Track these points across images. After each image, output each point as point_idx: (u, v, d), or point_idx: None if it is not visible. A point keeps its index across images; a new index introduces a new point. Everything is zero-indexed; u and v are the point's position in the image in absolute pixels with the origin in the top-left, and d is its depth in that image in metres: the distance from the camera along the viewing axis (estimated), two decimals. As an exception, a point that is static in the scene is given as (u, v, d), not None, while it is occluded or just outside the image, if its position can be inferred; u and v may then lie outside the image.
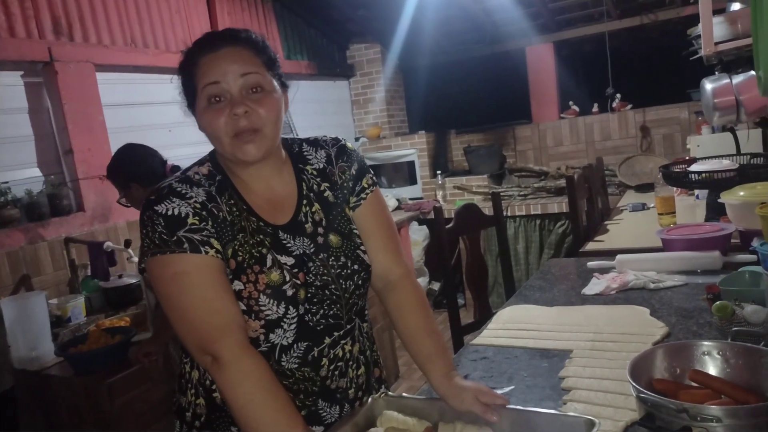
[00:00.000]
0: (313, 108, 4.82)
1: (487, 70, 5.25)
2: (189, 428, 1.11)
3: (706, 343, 1.03)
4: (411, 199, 5.01)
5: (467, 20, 4.90)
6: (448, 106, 5.49)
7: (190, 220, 0.99)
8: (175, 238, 0.97)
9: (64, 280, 2.70)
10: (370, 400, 1.11)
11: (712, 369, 1.01)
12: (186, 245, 0.97)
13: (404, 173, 5.14)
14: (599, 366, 1.30)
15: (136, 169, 2.07)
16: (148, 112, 3.28)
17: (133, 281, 2.64)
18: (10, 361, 1.96)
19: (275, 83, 1.06)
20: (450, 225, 2.42)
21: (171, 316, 1.00)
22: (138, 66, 3.23)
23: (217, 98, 1.01)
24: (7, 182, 2.58)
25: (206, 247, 0.98)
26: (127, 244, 2.75)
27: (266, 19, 4.38)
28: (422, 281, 4.82)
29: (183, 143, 3.12)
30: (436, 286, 4.91)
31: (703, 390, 0.95)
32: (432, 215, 4.00)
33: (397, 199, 4.88)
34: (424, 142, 5.05)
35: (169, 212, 0.98)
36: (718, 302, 1.41)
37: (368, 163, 5.41)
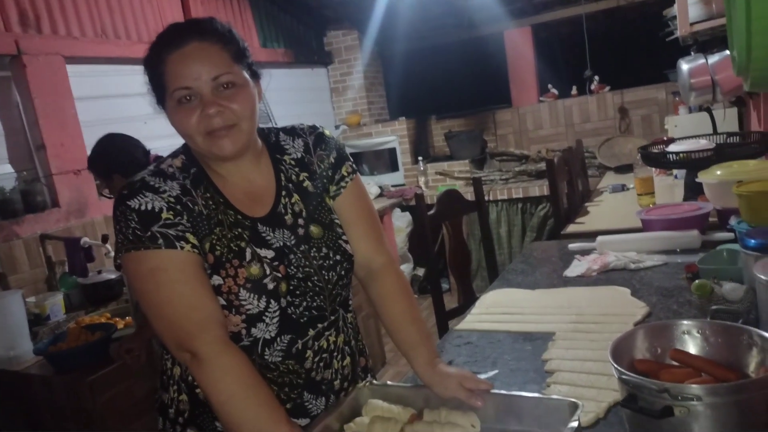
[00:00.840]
0: (292, 96, 4.77)
1: (466, 54, 5.23)
2: (173, 425, 1.10)
3: (685, 322, 1.04)
4: (393, 186, 4.99)
5: (444, 4, 4.86)
6: (428, 91, 5.46)
7: (164, 215, 0.96)
8: (149, 233, 0.95)
9: (41, 278, 2.65)
10: (354, 389, 1.10)
11: (693, 348, 1.02)
12: (161, 241, 0.95)
13: (386, 160, 5.12)
14: (582, 348, 1.31)
15: (118, 160, 2.03)
16: (122, 104, 3.22)
17: (113, 276, 2.60)
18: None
19: (246, 75, 1.03)
20: (432, 211, 2.42)
21: (148, 313, 0.98)
22: (110, 57, 3.16)
23: (188, 97, 0.98)
24: (-23, 179, 2.52)
25: (182, 242, 0.96)
26: (105, 239, 2.70)
27: (241, 7, 4.31)
28: (406, 268, 4.83)
29: (159, 135, 3.03)
30: (420, 272, 4.92)
31: (684, 369, 0.96)
32: (414, 202, 3.99)
33: (380, 187, 4.87)
34: (404, 128, 5.03)
35: (143, 207, 0.96)
36: (697, 281, 1.42)
37: (349, 151, 5.37)
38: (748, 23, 1.37)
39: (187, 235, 0.97)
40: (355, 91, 5.31)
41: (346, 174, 1.16)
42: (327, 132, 1.18)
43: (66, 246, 2.66)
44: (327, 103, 5.37)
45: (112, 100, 3.20)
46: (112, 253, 2.65)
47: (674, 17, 2.72)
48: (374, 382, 1.13)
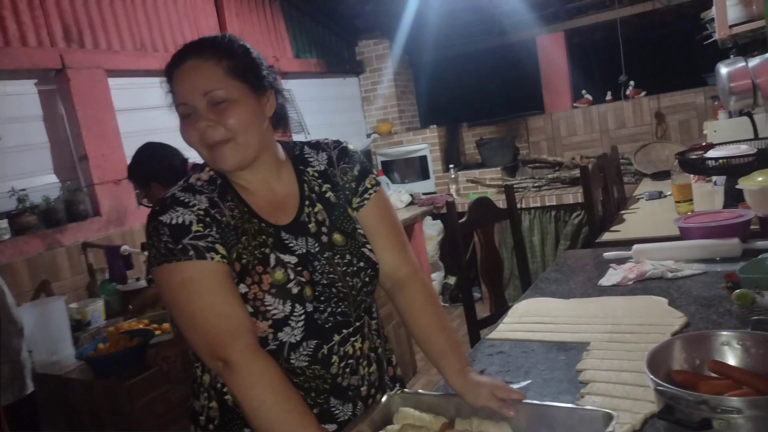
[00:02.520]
0: (324, 106, 4.82)
1: (497, 61, 5.21)
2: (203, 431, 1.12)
3: (725, 332, 1.01)
4: (424, 194, 4.99)
5: (474, 12, 4.86)
6: (459, 99, 5.46)
7: (194, 228, 0.99)
8: (180, 246, 0.98)
9: (82, 285, 2.74)
10: (385, 397, 1.10)
11: (732, 359, 0.99)
12: (191, 252, 0.98)
13: (416, 168, 5.12)
14: (617, 358, 1.28)
15: (157, 168, 2.08)
16: (160, 115, 3.26)
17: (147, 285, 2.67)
18: (32, 366, 1.99)
19: (244, 88, 1.03)
20: (463, 219, 2.41)
21: (180, 323, 1.00)
22: (148, 70, 3.25)
23: (188, 113, 1.04)
24: (24, 189, 2.61)
25: (212, 253, 0.99)
26: (144, 247, 2.77)
27: (274, 19, 4.39)
28: (437, 276, 4.81)
29: (195, 145, 3.13)
30: (452, 280, 4.90)
31: (723, 381, 0.93)
32: (445, 210, 3.99)
33: (411, 194, 4.87)
34: (435, 136, 5.03)
35: (173, 221, 0.99)
36: (737, 290, 1.38)
37: (380, 159, 5.40)
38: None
39: (217, 246, 1.00)
40: (386, 99, 5.34)
41: (369, 186, 1.18)
42: (351, 146, 1.21)
43: (106, 254, 2.75)
44: (358, 112, 5.41)
45: (151, 112, 3.29)
46: (150, 261, 2.71)
47: (712, 20, 2.66)
48: (405, 390, 1.13)
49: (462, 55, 5.33)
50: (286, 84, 4.30)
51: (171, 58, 1.07)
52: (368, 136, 5.30)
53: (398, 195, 4.78)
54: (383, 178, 5.00)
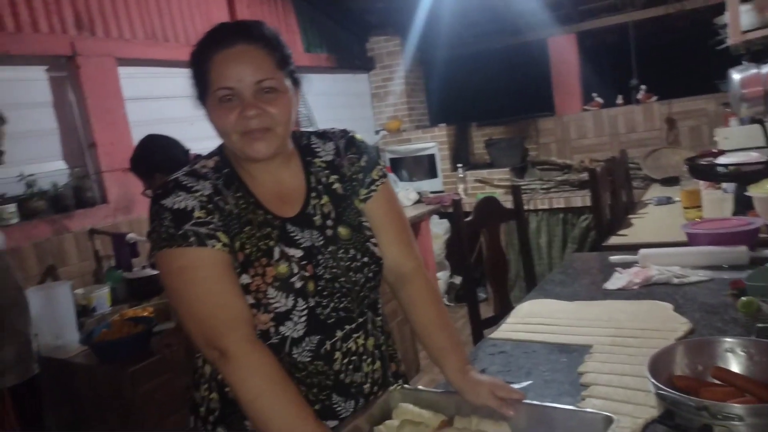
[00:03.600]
0: (333, 101, 4.82)
1: (509, 61, 5.19)
2: (203, 423, 1.11)
3: (729, 339, 1.01)
4: (431, 192, 4.98)
5: (487, 11, 4.84)
6: (469, 98, 5.44)
7: (196, 214, 0.99)
8: (182, 231, 0.97)
9: (89, 271, 2.75)
10: (385, 392, 1.10)
11: (736, 366, 0.99)
12: (192, 239, 0.97)
13: (424, 166, 5.11)
14: (619, 362, 1.28)
15: (159, 159, 2.09)
16: (168, 105, 3.31)
17: (156, 272, 2.68)
18: (37, 349, 2.00)
19: (288, 82, 1.05)
20: (469, 218, 2.40)
21: (178, 310, 1.00)
22: (158, 59, 3.26)
23: (229, 97, 1.00)
24: (33, 175, 2.63)
25: (213, 240, 0.98)
26: (149, 235, 2.78)
27: (285, 12, 4.38)
28: (443, 275, 4.81)
29: (205, 137, 3.12)
30: (457, 279, 4.89)
31: (725, 387, 0.93)
32: (452, 209, 3.98)
33: (418, 193, 4.86)
34: (444, 135, 5.02)
35: (176, 206, 0.99)
36: (743, 298, 1.37)
37: (388, 156, 5.38)
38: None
39: (218, 233, 0.99)
40: (396, 96, 5.33)
41: (376, 177, 1.17)
42: (358, 136, 1.19)
43: (113, 241, 2.76)
44: (367, 108, 5.41)
45: (160, 101, 3.30)
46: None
47: (725, 25, 2.64)
48: (406, 386, 1.13)
49: (473, 54, 5.31)
50: (297, 78, 4.30)
51: (208, 37, 1.03)
52: (377, 133, 5.29)
53: (406, 193, 4.78)
54: (391, 175, 4.99)
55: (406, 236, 1.20)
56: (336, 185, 1.14)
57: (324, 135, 1.18)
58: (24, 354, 1.90)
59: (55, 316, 2.15)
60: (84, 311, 2.43)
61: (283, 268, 1.02)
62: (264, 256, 1.02)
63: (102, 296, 2.53)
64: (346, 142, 1.17)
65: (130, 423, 1.99)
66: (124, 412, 1.99)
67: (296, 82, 1.08)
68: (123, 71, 3.05)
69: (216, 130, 1.04)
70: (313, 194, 1.11)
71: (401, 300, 1.20)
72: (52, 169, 2.78)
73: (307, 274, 1.04)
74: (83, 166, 2.91)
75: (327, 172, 1.14)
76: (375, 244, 1.14)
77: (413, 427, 1.01)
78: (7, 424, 1.85)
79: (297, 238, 1.06)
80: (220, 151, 1.11)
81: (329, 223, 1.10)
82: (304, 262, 1.04)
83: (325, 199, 1.12)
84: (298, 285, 1.03)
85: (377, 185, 1.16)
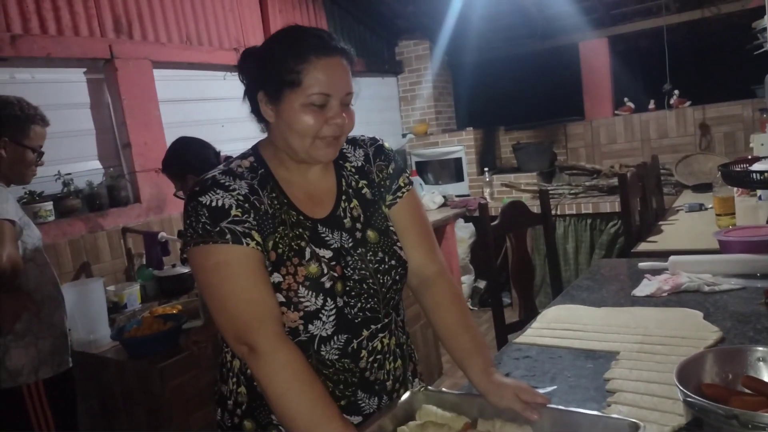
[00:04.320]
0: (361, 104, 4.74)
1: (538, 65, 5.15)
2: (230, 416, 1.14)
3: (761, 348, 0.99)
4: (457, 196, 4.97)
5: (517, 15, 4.82)
6: (497, 102, 5.41)
7: (233, 212, 1.01)
8: (218, 228, 1.00)
9: (121, 268, 2.82)
10: (409, 393, 1.11)
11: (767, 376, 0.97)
12: (228, 236, 1.00)
13: (451, 170, 5.10)
14: (647, 369, 1.26)
15: (191, 161, 2.13)
16: (202, 107, 3.38)
17: (186, 271, 2.73)
18: (70, 343, 2.06)
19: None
20: (495, 222, 2.39)
21: (210, 305, 1.02)
22: (193, 63, 3.33)
23: (323, 103, 1.04)
24: (70, 174, 2.71)
25: (247, 239, 1.01)
26: (180, 234, 2.84)
27: (317, 16, 4.43)
28: (467, 279, 4.78)
29: (235, 138, 3.19)
30: (482, 284, 4.86)
31: (756, 398, 0.91)
32: (478, 213, 3.97)
33: (444, 196, 4.85)
34: (471, 138, 5.00)
35: (213, 203, 1.01)
36: (777, 307, 1.34)
37: (415, 159, 5.39)
38: None
39: (253, 232, 1.02)
40: (424, 100, 5.33)
41: (403, 185, 1.21)
42: (386, 144, 1.24)
43: (145, 239, 2.82)
44: (395, 112, 5.42)
45: (193, 104, 3.37)
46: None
47: (764, 29, 2.58)
48: (429, 387, 1.14)
49: (502, 58, 5.29)
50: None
51: (306, 38, 1.05)
52: (404, 136, 5.30)
53: (431, 196, 4.77)
54: (416, 179, 4.99)
55: (430, 241, 1.22)
56: (365, 190, 1.17)
57: (354, 141, 1.21)
58: (59, 347, 1.96)
59: (87, 312, 2.21)
60: (115, 308, 2.49)
61: (314, 268, 1.05)
62: (296, 255, 1.05)
63: (133, 293, 2.59)
64: (376, 149, 1.21)
65: (158, 418, 2.03)
66: (152, 406, 2.04)
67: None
68: (158, 74, 3.12)
69: (289, 127, 1.04)
70: (344, 197, 1.14)
71: (424, 304, 1.22)
72: (87, 168, 2.87)
73: (336, 274, 1.06)
74: (118, 166, 2.99)
75: (357, 177, 1.17)
76: (401, 248, 1.16)
77: (436, 428, 1.01)
78: (41, 416, 1.90)
79: (327, 239, 1.09)
80: (254, 151, 1.14)
81: (358, 226, 1.13)
82: (333, 263, 1.07)
83: (354, 202, 1.15)
84: (328, 285, 1.05)
85: (403, 192, 1.20)
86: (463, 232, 4.74)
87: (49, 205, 2.56)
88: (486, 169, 4.92)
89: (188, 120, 3.30)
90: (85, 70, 2.88)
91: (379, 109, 5.17)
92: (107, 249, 2.77)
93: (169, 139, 2.91)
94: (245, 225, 1.02)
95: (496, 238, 2.44)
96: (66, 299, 2.07)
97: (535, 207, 2.79)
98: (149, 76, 3.06)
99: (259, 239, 1.02)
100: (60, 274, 2.42)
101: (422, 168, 5.17)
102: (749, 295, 1.64)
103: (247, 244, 1.01)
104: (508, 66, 5.29)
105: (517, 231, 2.52)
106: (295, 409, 0.96)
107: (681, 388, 0.88)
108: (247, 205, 1.03)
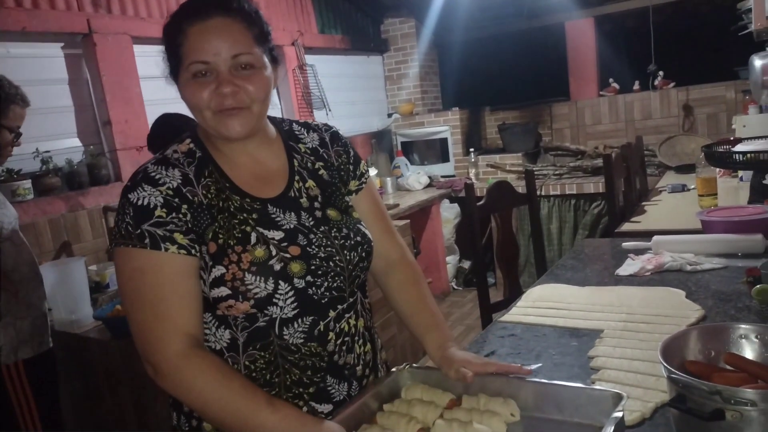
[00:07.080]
0: (346, 83, 4.79)
1: (524, 45, 5.13)
2: (187, 419, 1.07)
3: (743, 326, 1.00)
4: (443, 176, 4.97)
5: (505, -6, 4.78)
6: (483, 82, 5.39)
7: (157, 212, 0.96)
8: (139, 231, 0.95)
9: (102, 248, 2.78)
10: (394, 370, 1.11)
11: (749, 353, 0.98)
12: (147, 240, 0.94)
13: (437, 150, 5.09)
14: (630, 347, 1.27)
15: (175, 138, 2.09)
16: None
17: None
18: (51, 323, 2.03)
19: (266, 59, 1.02)
20: (481, 202, 2.39)
21: (124, 311, 0.99)
22: (174, 38, 3.25)
23: (203, 72, 0.97)
24: (48, 151, 2.65)
25: (167, 243, 0.95)
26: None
27: (301, -8, 4.35)
28: (452, 259, 4.81)
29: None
30: (466, 264, 4.89)
31: (738, 374, 0.92)
32: (464, 193, 3.97)
33: (429, 177, 4.85)
34: (457, 119, 4.99)
35: (139, 202, 0.96)
36: (758, 286, 1.36)
37: (400, 139, 5.37)
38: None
39: (176, 235, 0.96)
40: (410, 79, 5.29)
41: (364, 171, 1.21)
42: (341, 132, 1.23)
43: (126, 219, 2.78)
44: (381, 91, 5.38)
45: (175, 81, 3.30)
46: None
47: (749, 10, 2.58)
48: (414, 365, 1.14)
49: (489, 37, 5.25)
50: (310, 59, 4.28)
51: (182, 8, 0.98)
52: (389, 115, 5.27)
53: (417, 176, 4.77)
54: (402, 159, 4.98)
55: (391, 227, 1.25)
56: (322, 171, 1.14)
57: (306, 125, 1.19)
58: (39, 327, 1.93)
59: (69, 292, 2.18)
60: (97, 287, 2.46)
61: (260, 251, 0.98)
62: (239, 243, 0.98)
63: (115, 273, 2.55)
64: (332, 135, 1.19)
65: (142, 397, 2.02)
66: (136, 386, 2.03)
67: (275, 60, 1.05)
68: (138, 49, 3.05)
69: (189, 107, 1.01)
70: (297, 177, 1.10)
71: (387, 286, 1.23)
72: (66, 146, 2.81)
73: (288, 255, 1.00)
74: (98, 143, 2.93)
75: (312, 158, 1.14)
76: (365, 227, 1.15)
77: (423, 405, 1.02)
78: (22, 396, 1.88)
79: (278, 220, 1.03)
80: (193, 133, 1.08)
81: (317, 205, 1.09)
82: (284, 244, 1.01)
83: (310, 182, 1.11)
84: (278, 267, 0.98)
85: (365, 178, 1.20)
86: (449, 213, 4.75)
87: (27, 184, 2.50)
88: (471, 149, 4.92)
89: (170, 97, 3.20)
90: (62, 44, 2.80)
91: (365, 88, 5.12)
92: (88, 228, 2.73)
93: (151, 116, 2.86)
94: (168, 227, 0.95)
95: (481, 218, 2.44)
96: (47, 279, 2.03)
97: (520, 187, 2.79)
98: (129, 52, 2.99)
99: (182, 242, 0.96)
100: (40, 254, 2.38)
101: (408, 148, 5.15)
102: (731, 275, 1.67)
103: (166, 249, 0.94)
104: (495, 46, 5.26)
105: (503, 211, 2.53)
106: (221, 415, 0.93)
107: (665, 365, 0.89)
108: (177, 200, 0.97)
